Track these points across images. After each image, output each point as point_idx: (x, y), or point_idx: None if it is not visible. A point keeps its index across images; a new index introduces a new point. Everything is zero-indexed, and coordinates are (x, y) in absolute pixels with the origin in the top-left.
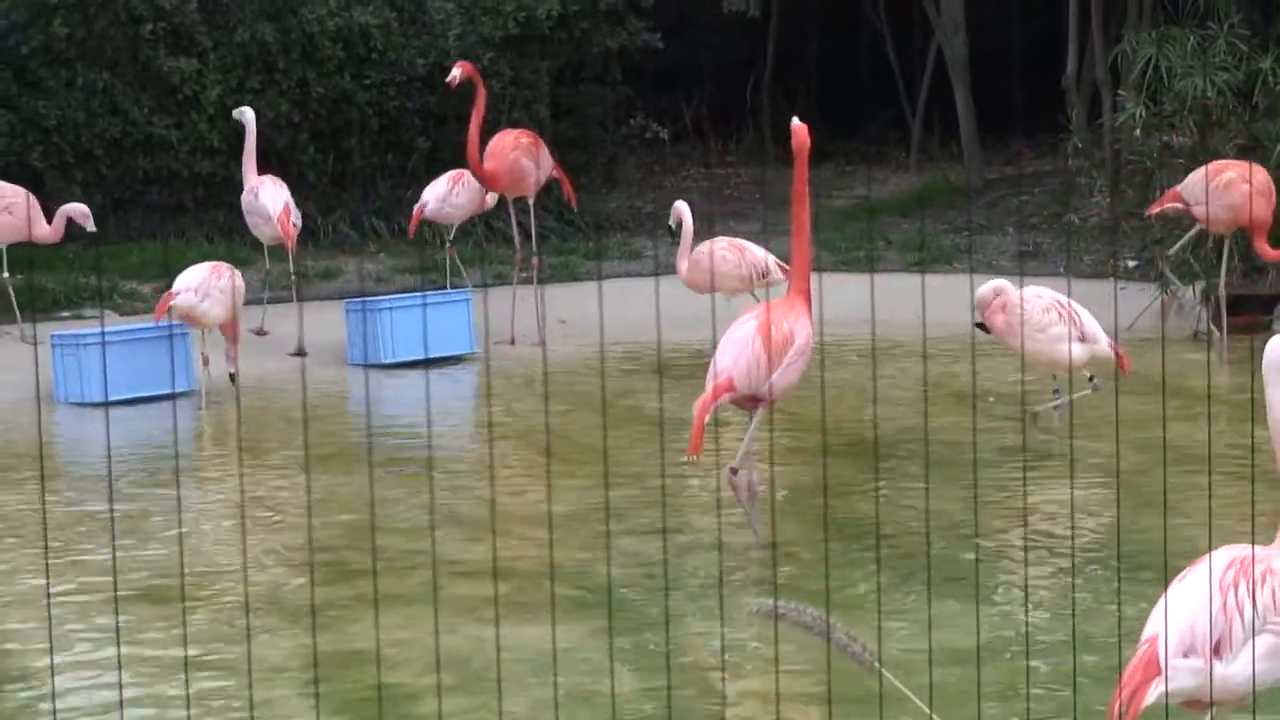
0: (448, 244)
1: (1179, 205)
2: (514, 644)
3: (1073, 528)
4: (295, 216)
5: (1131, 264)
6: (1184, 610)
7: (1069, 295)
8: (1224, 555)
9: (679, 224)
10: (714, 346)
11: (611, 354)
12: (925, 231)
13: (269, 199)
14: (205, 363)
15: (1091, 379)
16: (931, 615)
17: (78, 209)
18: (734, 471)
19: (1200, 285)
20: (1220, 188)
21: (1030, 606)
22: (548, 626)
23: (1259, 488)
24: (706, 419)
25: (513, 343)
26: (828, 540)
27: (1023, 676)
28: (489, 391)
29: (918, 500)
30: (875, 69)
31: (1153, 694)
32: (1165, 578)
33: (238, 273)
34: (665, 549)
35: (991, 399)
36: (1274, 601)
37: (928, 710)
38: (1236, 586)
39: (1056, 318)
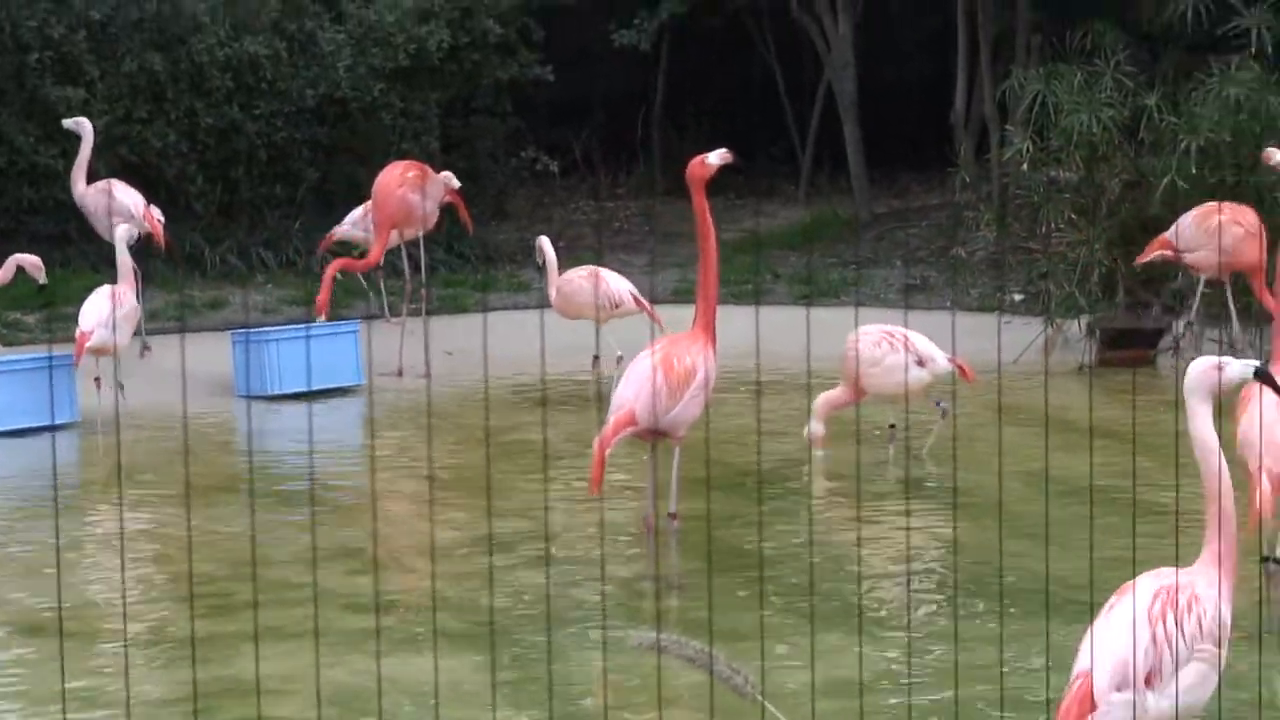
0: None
1: (1168, 252)
2: (399, 676)
3: (955, 561)
4: (156, 211)
5: (1018, 298)
6: (1115, 644)
7: (953, 330)
8: (1149, 584)
9: (543, 259)
10: (596, 376)
11: (500, 385)
12: (813, 265)
13: (125, 196)
14: (98, 385)
15: (939, 404)
16: (816, 647)
17: (30, 260)
18: (674, 516)
19: (1085, 319)
20: (1208, 231)
21: (914, 638)
22: (432, 659)
23: (1141, 521)
24: (608, 453)
25: (400, 374)
26: (711, 573)
27: (904, 709)
28: (376, 423)
29: (804, 532)
30: (766, 103)
31: None
32: (1047, 611)
33: (130, 292)
34: (548, 581)
35: (877, 432)
36: (1200, 629)
37: None
38: (1164, 618)
39: (889, 348)
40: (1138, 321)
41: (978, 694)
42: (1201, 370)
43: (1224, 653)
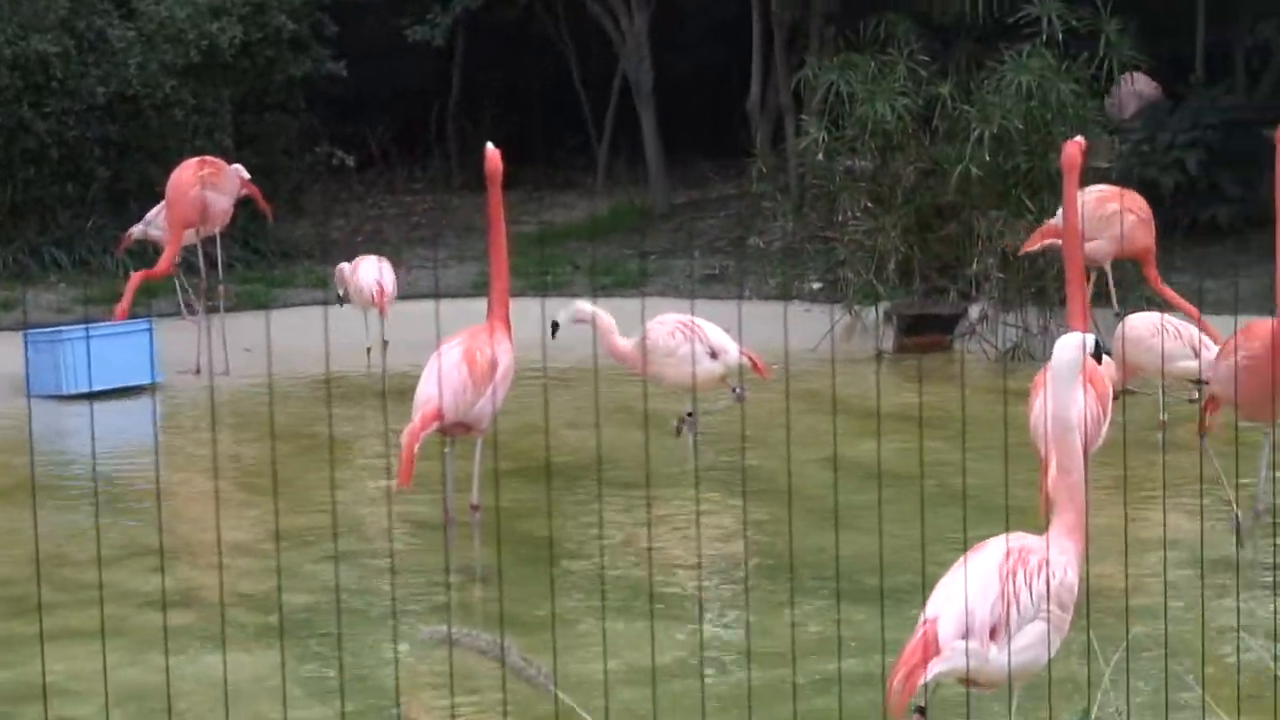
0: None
1: (1057, 240)
2: (199, 674)
3: (745, 546)
4: None
5: (816, 286)
6: (963, 594)
7: (739, 319)
8: (1003, 543)
9: (344, 289)
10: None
11: (299, 381)
12: (612, 256)
13: None
14: None
15: (735, 390)
16: (615, 636)
17: None
18: (475, 509)
19: (883, 306)
20: (1104, 219)
21: (708, 624)
22: (233, 655)
23: (939, 504)
24: (416, 448)
25: (198, 372)
26: (501, 564)
27: (698, 696)
28: (172, 421)
29: (599, 521)
30: (561, 95)
31: (930, 673)
32: (837, 591)
33: None
34: (337, 574)
35: (676, 421)
36: (1048, 590)
37: None
38: (1014, 575)
39: (682, 339)
40: (934, 307)
41: (774, 677)
42: (1064, 348)
43: (1068, 618)
